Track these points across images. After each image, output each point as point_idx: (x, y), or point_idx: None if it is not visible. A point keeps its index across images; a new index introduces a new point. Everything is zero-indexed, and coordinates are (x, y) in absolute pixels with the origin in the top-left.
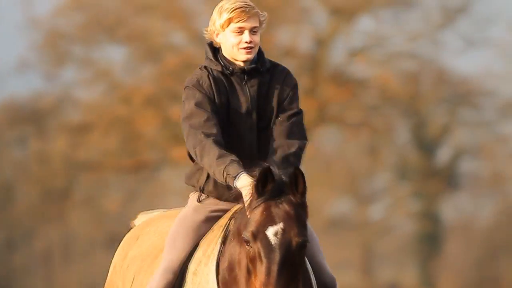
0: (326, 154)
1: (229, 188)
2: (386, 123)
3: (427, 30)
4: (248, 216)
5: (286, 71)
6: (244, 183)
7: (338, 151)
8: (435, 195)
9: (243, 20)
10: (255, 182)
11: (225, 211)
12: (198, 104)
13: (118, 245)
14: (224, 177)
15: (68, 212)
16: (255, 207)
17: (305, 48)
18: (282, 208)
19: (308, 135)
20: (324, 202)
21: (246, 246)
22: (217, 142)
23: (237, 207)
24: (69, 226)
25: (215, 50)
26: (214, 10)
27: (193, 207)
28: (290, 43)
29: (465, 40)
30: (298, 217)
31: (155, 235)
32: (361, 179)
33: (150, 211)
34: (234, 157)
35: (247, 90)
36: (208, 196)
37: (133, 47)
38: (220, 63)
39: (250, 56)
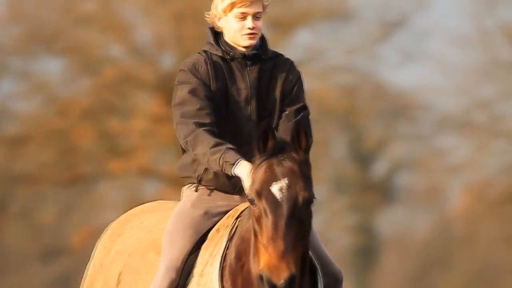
0: None
1: (228, 177)
2: (323, 137)
3: (365, 43)
4: (252, 176)
5: (290, 62)
6: (244, 170)
7: None
8: (371, 209)
9: (246, 5)
10: (256, 140)
11: (224, 206)
12: (191, 92)
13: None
14: (221, 164)
15: (4, 225)
16: (257, 166)
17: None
18: (285, 164)
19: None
20: None
21: (251, 206)
22: (210, 132)
23: (243, 206)
24: (4, 239)
25: (217, 35)
26: None
27: (190, 202)
28: None
29: (402, 53)
30: (303, 172)
31: (140, 230)
32: None
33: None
34: (230, 145)
35: (247, 76)
36: (206, 187)
37: (70, 60)
38: (220, 47)
39: (253, 42)
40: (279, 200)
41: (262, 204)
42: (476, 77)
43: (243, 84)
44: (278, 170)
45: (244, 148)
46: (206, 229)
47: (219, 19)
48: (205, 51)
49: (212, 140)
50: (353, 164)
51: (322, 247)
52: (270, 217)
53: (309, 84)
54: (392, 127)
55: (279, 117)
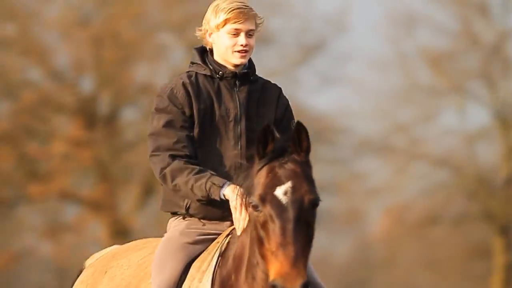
0: None
1: (213, 205)
2: None
3: (284, 67)
4: (253, 182)
5: (279, 88)
6: (232, 193)
7: None
8: None
9: (240, 22)
10: (256, 142)
11: (213, 234)
12: (168, 124)
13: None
14: (208, 189)
15: None
16: (258, 171)
17: (162, 85)
18: (288, 167)
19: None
20: None
21: (255, 212)
22: (189, 162)
23: (231, 228)
24: None
25: (203, 54)
26: (209, 8)
27: (179, 231)
28: (147, 80)
29: (321, 77)
30: (306, 174)
31: (130, 268)
32: None
33: (102, 251)
34: (212, 172)
35: (237, 96)
36: (193, 217)
37: None
38: (208, 67)
39: (244, 60)
40: (285, 204)
41: (267, 210)
42: (395, 101)
43: (232, 104)
44: (280, 173)
45: (229, 172)
46: (197, 253)
47: (210, 34)
48: (188, 73)
49: (194, 168)
50: None
51: (315, 274)
52: (277, 222)
53: None
54: (312, 150)
55: None
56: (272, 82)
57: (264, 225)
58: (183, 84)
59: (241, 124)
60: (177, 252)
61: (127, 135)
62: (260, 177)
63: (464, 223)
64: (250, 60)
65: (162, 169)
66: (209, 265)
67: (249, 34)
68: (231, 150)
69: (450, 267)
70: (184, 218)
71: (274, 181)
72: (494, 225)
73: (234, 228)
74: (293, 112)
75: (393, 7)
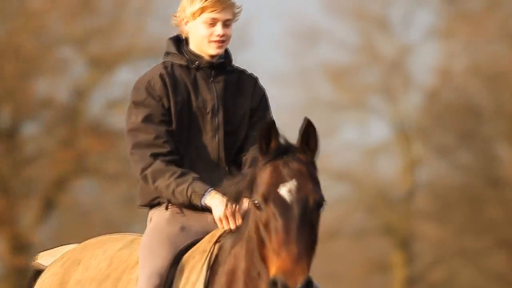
0: (84, 205)
1: (193, 207)
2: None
3: None
4: (252, 182)
5: (255, 78)
6: (215, 201)
7: (96, 202)
8: None
9: (217, 11)
10: (258, 139)
11: (198, 226)
12: (146, 118)
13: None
14: (189, 195)
15: None
16: (261, 168)
17: (63, 99)
18: (292, 166)
19: (66, 186)
20: None
21: (257, 212)
22: (171, 162)
23: (219, 231)
24: None
25: (179, 44)
26: None
27: (165, 219)
28: (47, 94)
29: None
30: (312, 174)
31: (106, 259)
32: (118, 230)
33: (50, 250)
34: (195, 175)
35: (214, 86)
36: (176, 206)
37: None
38: (185, 56)
39: (220, 51)
40: (289, 202)
41: (271, 208)
42: (296, 115)
43: (209, 95)
44: (285, 171)
45: (209, 165)
46: (183, 245)
47: (186, 22)
48: (163, 64)
49: (175, 171)
50: None
51: None
52: (280, 220)
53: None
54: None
55: (246, 134)
56: (248, 72)
57: (266, 224)
58: (160, 75)
59: (218, 116)
60: (165, 241)
61: (27, 149)
62: (264, 176)
63: (364, 237)
64: (226, 50)
65: (143, 169)
66: (198, 276)
67: (225, 24)
68: (209, 143)
69: (350, 281)
70: (166, 208)
71: (278, 179)
72: (394, 239)
73: (221, 234)
74: None
75: (295, 22)
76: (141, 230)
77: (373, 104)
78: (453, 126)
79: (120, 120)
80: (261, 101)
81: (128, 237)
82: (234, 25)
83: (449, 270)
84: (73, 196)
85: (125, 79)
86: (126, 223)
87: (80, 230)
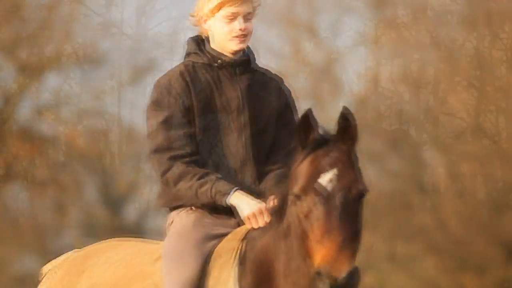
0: (14, 211)
1: (217, 210)
2: (74, 180)
3: (115, 87)
4: (295, 173)
5: (281, 79)
6: (241, 200)
7: (25, 208)
8: None
9: (236, 5)
10: (297, 131)
11: (222, 230)
12: (165, 121)
13: None
14: (213, 195)
15: None
16: (300, 162)
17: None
18: (333, 155)
19: None
20: (12, 259)
21: (297, 203)
22: (192, 163)
23: (243, 228)
24: None
25: (199, 44)
26: None
27: (191, 222)
28: None
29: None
30: (353, 163)
31: (112, 266)
32: (48, 237)
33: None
34: (218, 175)
35: (238, 85)
36: (199, 210)
37: None
38: (206, 55)
39: (243, 46)
40: (330, 191)
41: (311, 198)
42: None
43: (234, 93)
44: (324, 161)
45: (236, 165)
46: (211, 249)
47: (205, 21)
48: (184, 63)
49: (197, 171)
50: (104, 208)
51: None
52: (321, 208)
53: (60, 128)
54: (142, 170)
55: (273, 135)
56: (272, 72)
57: (308, 215)
58: (181, 73)
59: (244, 115)
60: (193, 249)
61: None
62: (302, 167)
63: None
64: (248, 48)
65: (163, 173)
66: (229, 274)
67: (246, 18)
68: (235, 142)
69: None
70: (191, 209)
71: (318, 169)
72: None
73: (248, 231)
74: (125, 131)
75: None
76: (72, 237)
77: (302, 110)
78: (381, 133)
79: (49, 126)
80: (287, 103)
81: (127, 242)
82: (168, 29)
83: (378, 276)
84: (2, 202)
85: (54, 85)
86: (56, 228)
87: (11, 236)
